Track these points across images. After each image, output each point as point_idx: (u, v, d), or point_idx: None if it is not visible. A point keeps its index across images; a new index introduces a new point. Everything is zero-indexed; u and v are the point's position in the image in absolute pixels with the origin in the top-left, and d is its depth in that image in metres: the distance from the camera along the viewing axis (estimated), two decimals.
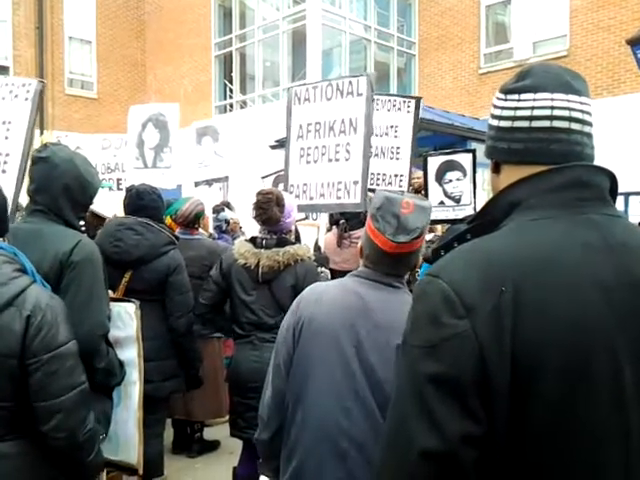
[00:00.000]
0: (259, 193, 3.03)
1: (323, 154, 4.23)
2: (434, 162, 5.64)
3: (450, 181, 5.55)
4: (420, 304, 0.98)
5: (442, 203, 5.58)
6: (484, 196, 5.81)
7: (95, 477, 1.99)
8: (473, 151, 5.58)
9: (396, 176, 5.58)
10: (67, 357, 1.72)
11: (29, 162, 2.27)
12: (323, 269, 3.79)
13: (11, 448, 1.66)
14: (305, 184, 4.31)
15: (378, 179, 5.47)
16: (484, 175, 10.25)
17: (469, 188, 5.51)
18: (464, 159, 5.56)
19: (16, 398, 1.66)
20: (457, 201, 5.55)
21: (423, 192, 6.15)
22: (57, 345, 1.69)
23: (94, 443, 1.82)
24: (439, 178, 5.59)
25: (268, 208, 2.96)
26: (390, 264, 1.77)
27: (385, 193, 1.78)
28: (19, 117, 3.58)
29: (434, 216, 5.59)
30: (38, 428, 1.68)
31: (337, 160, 4.15)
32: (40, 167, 2.19)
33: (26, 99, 3.62)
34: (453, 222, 5.54)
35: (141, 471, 2.40)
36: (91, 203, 2.36)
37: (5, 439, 1.66)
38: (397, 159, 5.59)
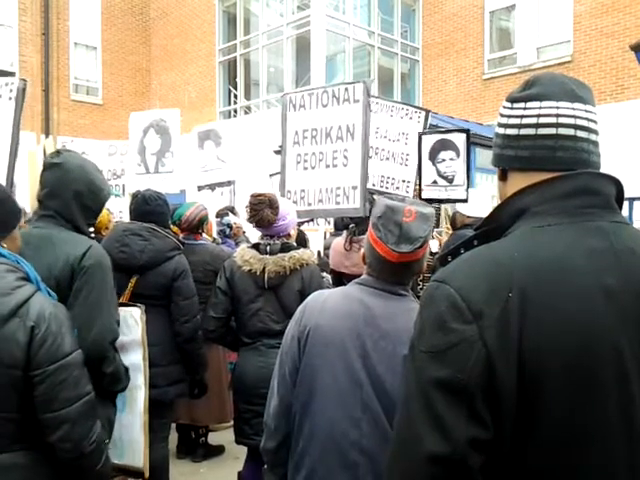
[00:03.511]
0: (252, 195, 3.02)
1: (320, 160, 4.24)
2: (428, 140, 5.57)
3: (443, 160, 5.49)
4: (427, 309, 0.99)
5: (435, 182, 5.56)
6: (490, 203, 5.85)
7: None
8: (467, 131, 5.53)
9: (404, 181, 5.65)
10: (72, 367, 1.70)
11: (40, 167, 2.26)
12: (324, 274, 3.80)
13: (19, 458, 1.65)
14: (303, 190, 4.32)
15: (387, 182, 5.53)
16: (486, 180, 10.28)
17: (462, 168, 5.44)
18: (458, 139, 5.48)
19: (21, 409, 1.64)
20: (450, 181, 5.51)
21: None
22: (62, 356, 1.67)
23: (101, 452, 1.80)
24: (433, 157, 5.54)
25: (260, 210, 2.95)
26: (393, 272, 1.75)
27: (386, 201, 1.74)
28: (4, 117, 3.56)
29: (427, 195, 5.59)
30: (45, 439, 1.67)
31: (335, 166, 4.17)
32: (53, 173, 2.20)
33: (10, 98, 3.59)
34: (446, 202, 5.65)
35: (147, 474, 2.40)
36: (102, 210, 2.38)
37: (13, 449, 1.64)
38: (406, 165, 5.66)
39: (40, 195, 2.21)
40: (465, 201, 5.42)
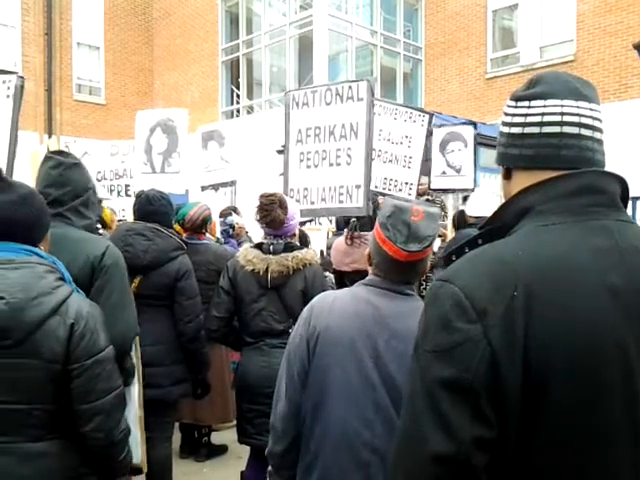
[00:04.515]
0: (262, 196, 3.01)
1: (324, 158, 4.24)
2: (439, 133, 6.34)
3: (452, 151, 6.21)
4: (432, 309, 0.99)
5: (444, 173, 6.26)
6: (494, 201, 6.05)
7: (126, 475, 2.08)
8: (474, 124, 6.43)
9: (406, 184, 5.69)
10: (107, 362, 1.81)
11: (49, 166, 2.24)
12: (327, 273, 3.80)
13: (51, 447, 1.74)
14: (306, 188, 4.32)
15: (390, 184, 5.56)
16: (489, 179, 10.27)
17: (470, 159, 6.11)
18: (466, 131, 6.25)
19: (57, 401, 1.73)
20: (458, 171, 6.17)
21: (426, 197, 6.56)
22: (98, 350, 1.77)
23: (126, 442, 1.91)
24: (442, 148, 6.24)
25: (272, 210, 2.94)
26: (400, 272, 1.76)
27: (394, 201, 1.77)
28: (2, 115, 3.50)
29: (436, 185, 6.31)
30: (78, 429, 1.76)
31: (338, 164, 4.16)
32: (75, 172, 2.25)
33: (7, 96, 3.53)
34: (454, 191, 6.33)
35: (145, 469, 2.40)
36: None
37: (45, 438, 1.73)
38: (409, 167, 5.72)
39: (58, 194, 2.20)
40: (472, 190, 5.82)
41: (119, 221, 5.20)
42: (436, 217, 1.76)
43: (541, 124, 1.05)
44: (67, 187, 2.22)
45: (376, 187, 5.20)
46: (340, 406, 1.69)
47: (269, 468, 1.92)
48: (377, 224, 1.78)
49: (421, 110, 6.19)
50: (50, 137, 12.55)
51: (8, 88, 3.54)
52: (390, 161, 5.52)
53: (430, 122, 5.86)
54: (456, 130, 6.32)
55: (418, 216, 1.70)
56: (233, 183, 6.83)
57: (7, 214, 1.76)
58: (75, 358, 1.72)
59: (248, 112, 14.83)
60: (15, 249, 1.76)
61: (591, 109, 1.06)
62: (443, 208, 6.93)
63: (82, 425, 1.76)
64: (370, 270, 1.86)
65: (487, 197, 5.00)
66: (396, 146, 5.58)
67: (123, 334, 2.13)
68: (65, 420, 1.76)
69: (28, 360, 1.67)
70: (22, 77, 3.70)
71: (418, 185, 5.81)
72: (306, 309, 1.86)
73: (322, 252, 5.26)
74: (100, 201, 3.60)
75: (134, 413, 2.46)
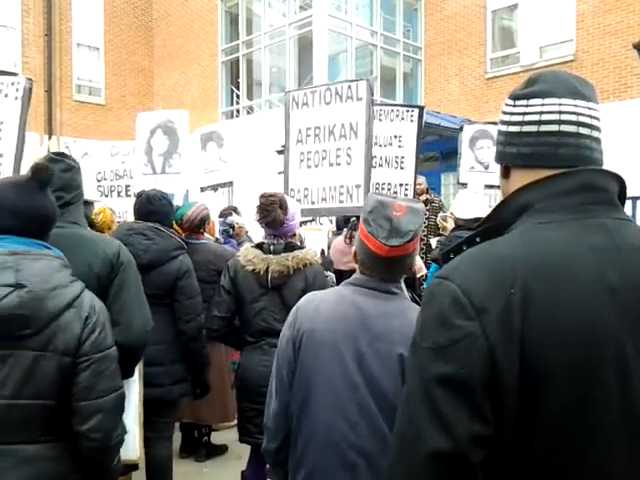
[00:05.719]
0: (262, 196, 3.02)
1: (324, 158, 4.24)
2: (469, 130, 6.69)
3: (482, 148, 6.53)
4: (430, 306, 0.99)
5: (472, 168, 6.59)
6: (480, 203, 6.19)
7: None
8: None
9: (401, 185, 5.63)
10: (112, 360, 1.81)
11: (60, 169, 2.22)
12: (328, 272, 3.79)
13: (46, 450, 1.71)
14: (306, 188, 4.32)
15: (383, 189, 5.51)
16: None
17: None
18: (495, 130, 6.36)
19: (60, 398, 1.71)
20: (486, 167, 6.52)
21: (424, 197, 6.67)
22: (106, 347, 1.78)
23: (119, 449, 1.88)
24: (472, 145, 6.57)
25: (272, 210, 2.95)
26: (385, 268, 1.76)
27: (377, 197, 1.77)
28: (10, 117, 3.51)
29: (465, 179, 6.63)
30: (75, 428, 1.73)
31: (338, 164, 4.17)
32: (80, 175, 2.29)
33: (16, 98, 3.54)
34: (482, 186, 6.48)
35: (142, 462, 2.41)
36: None
37: (39, 441, 1.70)
38: (402, 168, 5.64)
39: (69, 197, 2.22)
40: (498, 187, 6.03)
41: (118, 221, 5.21)
42: (420, 212, 1.75)
43: (539, 122, 1.06)
44: (77, 190, 2.26)
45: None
46: (325, 408, 1.71)
47: (267, 465, 1.96)
48: (361, 221, 1.78)
49: (408, 105, 6.16)
50: (50, 138, 12.54)
51: (17, 90, 3.57)
52: (380, 165, 5.47)
53: (421, 115, 5.74)
54: (485, 128, 6.67)
55: (400, 211, 1.69)
56: (231, 184, 6.84)
57: (42, 212, 1.81)
58: (84, 351, 1.72)
59: (248, 112, 14.82)
60: (29, 243, 1.77)
61: (589, 108, 1.06)
62: (441, 207, 6.95)
63: (80, 423, 1.72)
64: (356, 268, 1.86)
65: (473, 199, 4.97)
66: (385, 149, 5.52)
67: (144, 328, 2.19)
68: (62, 422, 1.73)
69: (43, 352, 1.67)
70: (31, 79, 3.72)
71: (415, 184, 5.73)
72: (292, 311, 1.87)
73: (323, 251, 5.27)
74: (91, 203, 3.62)
75: (134, 407, 2.46)
